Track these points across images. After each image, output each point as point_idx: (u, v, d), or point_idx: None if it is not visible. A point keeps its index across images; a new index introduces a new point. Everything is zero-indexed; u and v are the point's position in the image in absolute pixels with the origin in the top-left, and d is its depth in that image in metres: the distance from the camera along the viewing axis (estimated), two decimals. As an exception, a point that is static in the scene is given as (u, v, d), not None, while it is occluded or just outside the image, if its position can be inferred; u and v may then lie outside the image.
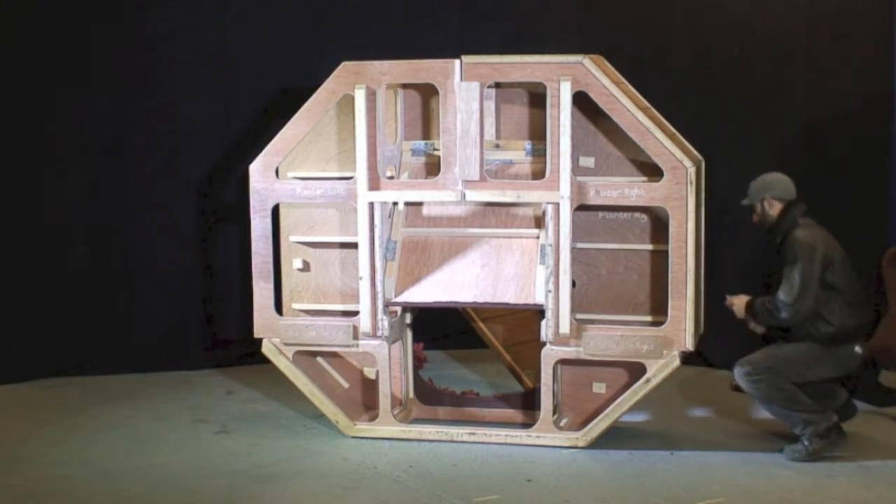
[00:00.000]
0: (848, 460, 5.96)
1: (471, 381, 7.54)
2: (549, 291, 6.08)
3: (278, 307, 6.49)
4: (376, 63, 6.18)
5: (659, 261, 6.19)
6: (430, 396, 6.74)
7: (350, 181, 6.26)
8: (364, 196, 6.21)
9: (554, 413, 6.26)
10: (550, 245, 6.07)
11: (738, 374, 6.07)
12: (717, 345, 7.52)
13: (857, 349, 6.13)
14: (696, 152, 6.24)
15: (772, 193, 6.15)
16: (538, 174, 6.29)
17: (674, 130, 6.23)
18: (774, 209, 6.15)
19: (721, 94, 6.97)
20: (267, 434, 6.50)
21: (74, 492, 5.67)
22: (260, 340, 6.45)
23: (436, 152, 6.49)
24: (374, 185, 6.22)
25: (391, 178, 6.45)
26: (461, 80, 6.09)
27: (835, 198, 7.34)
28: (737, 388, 7.24)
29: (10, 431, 6.67)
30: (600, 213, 6.29)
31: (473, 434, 6.32)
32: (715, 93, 7.54)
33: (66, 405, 7.16)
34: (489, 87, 6.29)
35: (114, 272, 7.88)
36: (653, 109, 6.27)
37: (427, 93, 6.57)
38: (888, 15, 7.33)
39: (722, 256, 7.36)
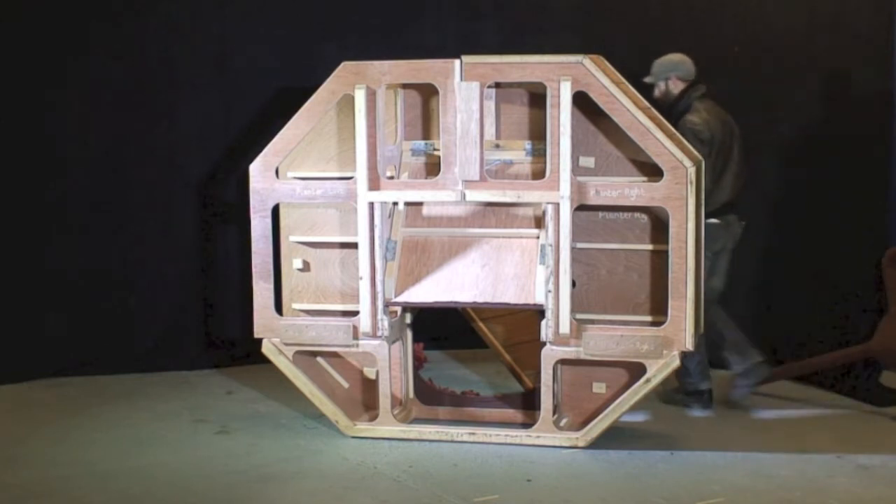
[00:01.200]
0: (848, 460, 5.96)
1: (471, 381, 7.54)
2: (549, 291, 6.07)
3: (278, 307, 6.49)
4: (376, 63, 6.18)
5: (659, 261, 6.19)
6: (430, 396, 6.74)
7: (350, 181, 6.25)
8: (364, 196, 6.20)
9: (554, 413, 6.25)
10: (550, 245, 6.07)
11: None
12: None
13: (713, 220, 6.50)
14: (696, 152, 6.23)
15: (677, 73, 6.63)
16: (538, 174, 6.29)
17: (673, 130, 6.23)
18: (677, 88, 6.62)
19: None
20: (267, 434, 6.50)
21: (74, 492, 5.67)
22: (260, 340, 6.45)
23: (436, 152, 6.49)
24: (374, 185, 6.21)
25: (391, 178, 6.45)
26: (461, 80, 6.09)
27: (835, 198, 7.34)
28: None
29: (10, 431, 6.67)
30: (600, 213, 6.29)
31: (473, 434, 6.32)
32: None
33: (66, 405, 7.16)
34: (489, 87, 6.29)
35: (114, 272, 7.87)
36: (653, 109, 6.27)
37: (427, 93, 6.57)
38: (888, 15, 7.32)
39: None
